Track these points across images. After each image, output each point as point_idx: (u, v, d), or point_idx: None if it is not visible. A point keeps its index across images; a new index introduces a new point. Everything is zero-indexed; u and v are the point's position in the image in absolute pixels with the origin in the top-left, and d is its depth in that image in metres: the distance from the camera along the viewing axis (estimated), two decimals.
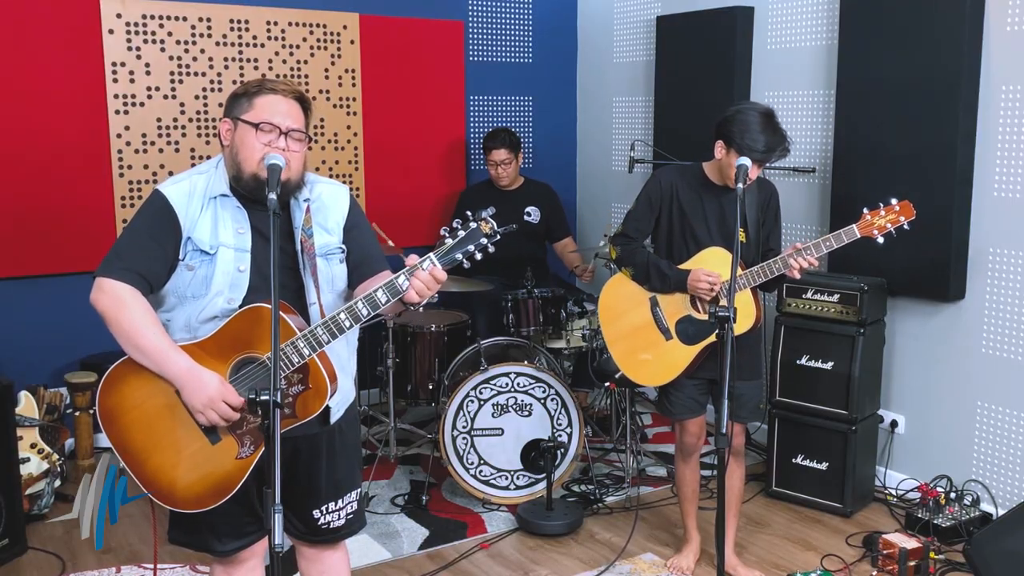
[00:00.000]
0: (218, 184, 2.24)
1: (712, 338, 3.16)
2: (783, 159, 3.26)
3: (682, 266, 3.24)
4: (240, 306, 2.20)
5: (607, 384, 4.16)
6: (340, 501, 2.45)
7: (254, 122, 2.17)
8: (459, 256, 2.08)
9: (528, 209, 5.05)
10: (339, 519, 2.46)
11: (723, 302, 3.08)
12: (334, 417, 2.37)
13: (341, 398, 2.37)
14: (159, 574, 3.49)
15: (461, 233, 2.07)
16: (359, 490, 2.52)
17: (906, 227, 3.00)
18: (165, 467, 2.21)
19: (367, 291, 2.25)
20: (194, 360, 2.15)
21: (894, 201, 3.00)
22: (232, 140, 2.22)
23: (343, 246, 2.34)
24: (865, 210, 3.01)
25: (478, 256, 2.08)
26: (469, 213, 2.10)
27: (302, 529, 2.45)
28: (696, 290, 3.18)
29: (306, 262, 2.24)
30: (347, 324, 2.12)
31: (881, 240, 2.99)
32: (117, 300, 2.15)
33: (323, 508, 2.42)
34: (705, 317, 3.20)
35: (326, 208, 2.33)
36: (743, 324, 3.16)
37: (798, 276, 3.08)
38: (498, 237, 2.09)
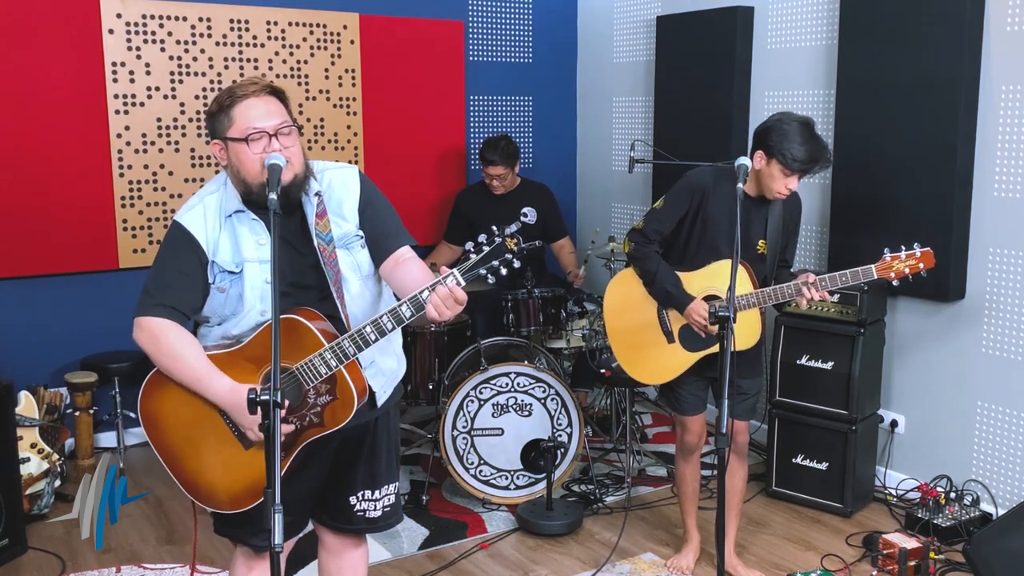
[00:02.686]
0: (230, 201, 2.25)
1: (714, 349, 3.16)
2: (822, 170, 3.21)
3: (695, 272, 3.21)
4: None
5: (603, 371, 4.14)
6: (378, 492, 2.47)
7: (241, 137, 2.16)
8: (483, 271, 2.07)
9: (524, 210, 5.05)
10: (375, 509, 2.47)
11: (719, 303, 3.09)
12: (380, 399, 2.39)
13: (385, 379, 2.38)
14: (159, 574, 3.49)
15: (486, 248, 2.06)
16: (397, 484, 2.54)
17: (923, 275, 2.99)
18: (204, 469, 2.25)
19: (399, 285, 2.28)
20: (227, 369, 2.18)
21: (916, 246, 2.97)
22: (229, 159, 2.22)
23: (361, 232, 2.33)
24: (886, 251, 2.97)
25: (503, 272, 2.07)
26: (495, 228, 2.08)
27: (336, 518, 2.47)
28: (691, 321, 3.17)
29: (327, 264, 2.25)
30: (373, 337, 2.13)
31: (896, 283, 2.98)
32: (152, 336, 2.20)
33: (359, 495, 2.44)
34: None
35: (339, 196, 2.32)
36: (749, 340, 3.16)
37: (805, 307, 3.08)
38: (524, 253, 2.08)
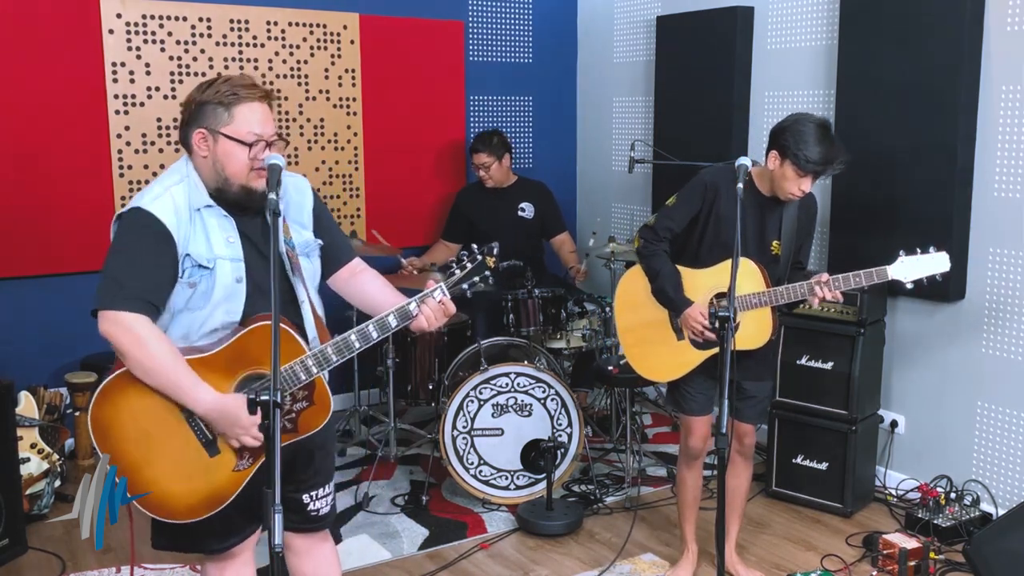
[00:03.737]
0: (198, 195, 2.19)
1: None
2: (836, 172, 3.19)
3: (705, 269, 3.19)
4: (241, 316, 2.20)
5: (611, 368, 4.14)
6: (325, 488, 2.48)
7: (245, 141, 2.15)
8: (464, 287, 2.24)
9: (522, 205, 5.07)
10: (326, 506, 2.49)
11: (724, 303, 3.08)
12: None
13: None
14: (160, 574, 3.49)
15: (468, 265, 2.21)
16: (333, 480, 2.57)
17: (938, 279, 2.96)
18: (161, 479, 2.19)
19: (359, 295, 2.36)
20: (201, 376, 2.13)
21: (932, 249, 2.95)
22: (212, 152, 2.17)
23: (320, 240, 2.36)
24: (902, 253, 2.95)
25: (481, 287, 2.24)
26: (475, 246, 2.24)
27: (295, 519, 2.46)
28: (688, 327, 3.16)
29: (293, 269, 2.24)
30: (357, 345, 2.17)
31: (910, 286, 2.95)
32: (133, 336, 2.07)
33: (312, 494, 2.45)
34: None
35: (296, 201, 2.33)
36: (759, 338, 3.14)
37: (817, 306, 3.07)
38: (501, 271, 2.26)
